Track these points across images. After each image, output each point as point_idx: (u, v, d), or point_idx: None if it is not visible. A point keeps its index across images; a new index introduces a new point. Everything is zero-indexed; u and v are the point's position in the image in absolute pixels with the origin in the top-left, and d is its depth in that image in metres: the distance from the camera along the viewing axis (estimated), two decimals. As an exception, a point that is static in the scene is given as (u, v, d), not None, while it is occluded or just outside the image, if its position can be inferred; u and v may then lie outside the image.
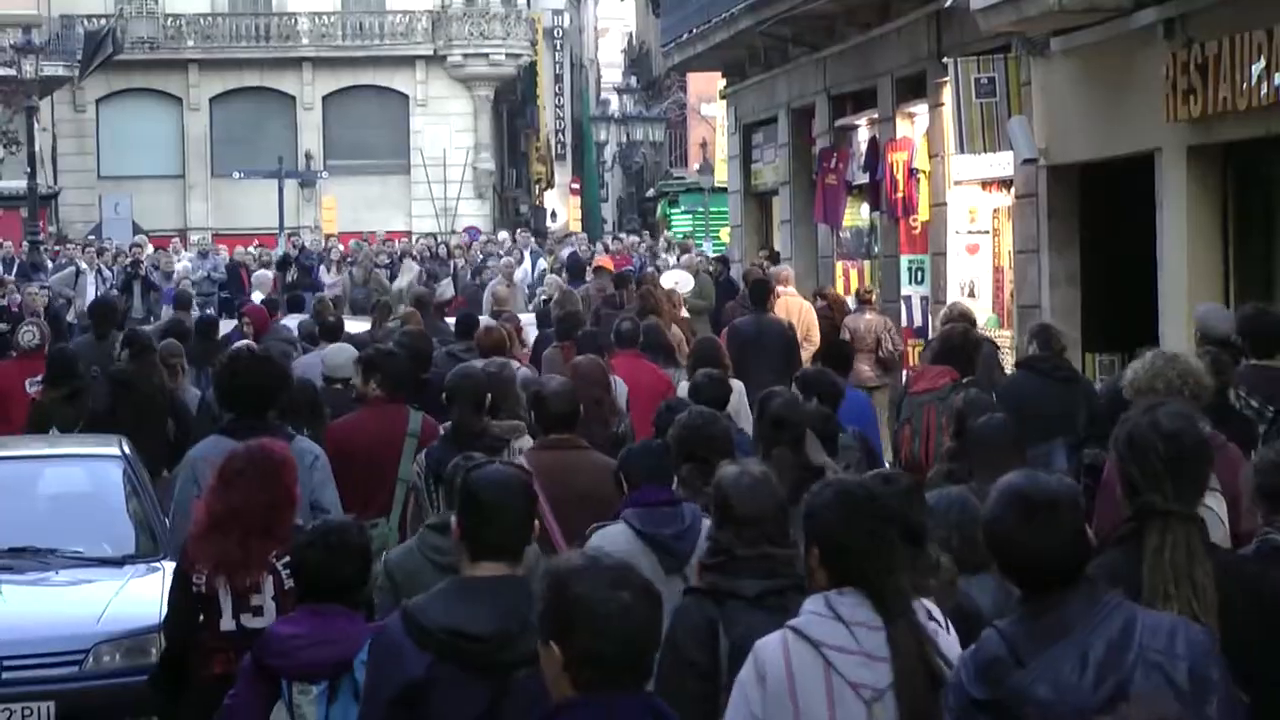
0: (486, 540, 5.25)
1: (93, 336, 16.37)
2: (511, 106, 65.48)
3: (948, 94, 18.19)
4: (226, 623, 6.93)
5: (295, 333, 17.20)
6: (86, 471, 11.41)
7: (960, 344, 12.07)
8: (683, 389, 10.87)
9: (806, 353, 17.50)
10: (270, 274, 29.49)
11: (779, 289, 18.45)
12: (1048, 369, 11.26)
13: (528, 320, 18.24)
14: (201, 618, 6.98)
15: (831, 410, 9.47)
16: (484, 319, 14.95)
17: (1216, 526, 6.47)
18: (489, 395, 9.07)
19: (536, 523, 5.96)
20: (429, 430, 9.71)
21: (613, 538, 6.70)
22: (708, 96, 47.71)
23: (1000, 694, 4.37)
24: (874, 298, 19.37)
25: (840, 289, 22.48)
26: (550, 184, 71.90)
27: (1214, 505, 6.66)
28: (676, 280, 21.21)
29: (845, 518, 5.01)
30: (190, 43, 57.35)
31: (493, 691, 5.03)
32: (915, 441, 11.76)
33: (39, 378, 13.91)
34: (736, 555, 5.71)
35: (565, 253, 34.70)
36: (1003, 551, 4.56)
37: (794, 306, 18.30)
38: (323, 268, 32.09)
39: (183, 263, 32.34)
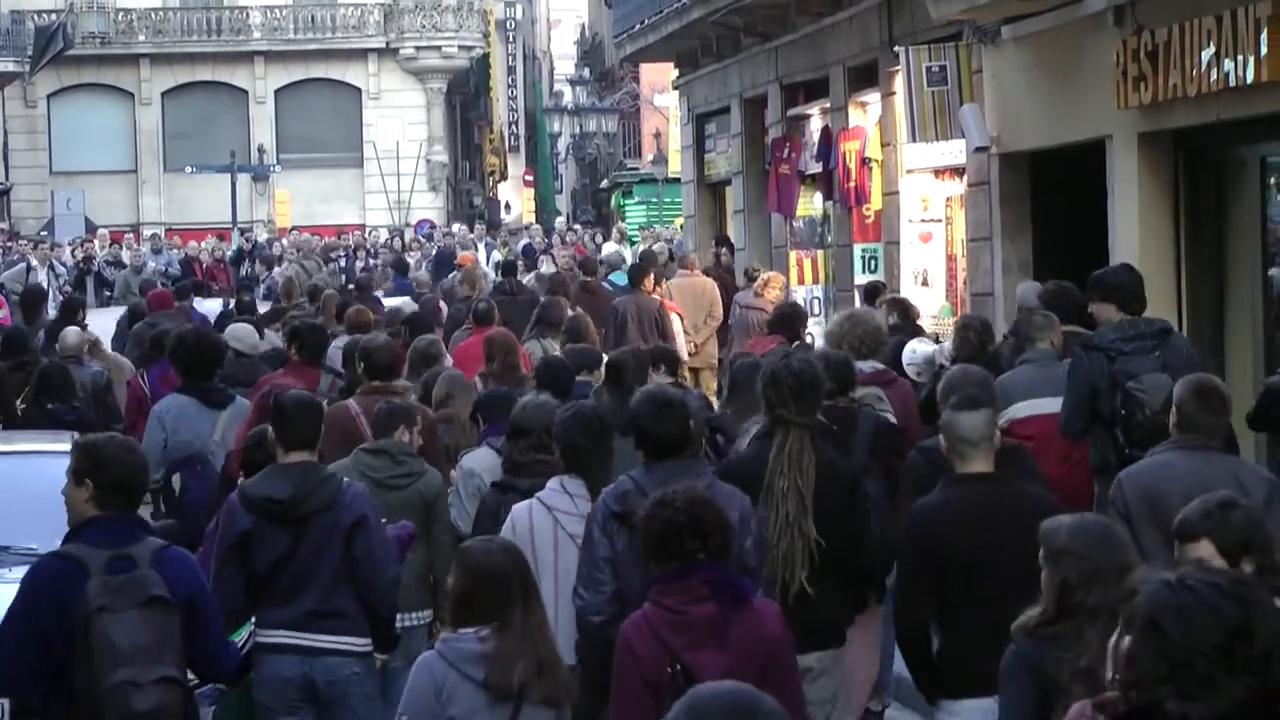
0: (290, 438, 8.02)
1: (23, 322, 18.89)
2: (464, 99, 65.36)
3: (899, 82, 18.22)
4: None
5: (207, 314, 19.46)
6: (41, 467, 11.29)
7: (788, 315, 13.92)
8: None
9: (710, 327, 20.34)
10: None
11: (684, 271, 21.23)
12: (908, 332, 13.37)
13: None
14: None
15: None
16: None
17: None
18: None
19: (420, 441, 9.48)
20: (335, 388, 12.32)
21: (479, 457, 9.43)
22: (660, 87, 47.74)
23: (627, 509, 6.88)
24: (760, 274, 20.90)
25: (794, 279, 22.65)
26: (504, 176, 71.88)
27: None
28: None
29: (569, 426, 7.78)
30: (141, 37, 57.10)
31: (293, 535, 7.86)
32: None
33: None
34: (516, 461, 8.42)
35: (520, 244, 34.69)
36: (638, 431, 7.27)
37: (699, 285, 20.64)
38: (268, 265, 31.97)
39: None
